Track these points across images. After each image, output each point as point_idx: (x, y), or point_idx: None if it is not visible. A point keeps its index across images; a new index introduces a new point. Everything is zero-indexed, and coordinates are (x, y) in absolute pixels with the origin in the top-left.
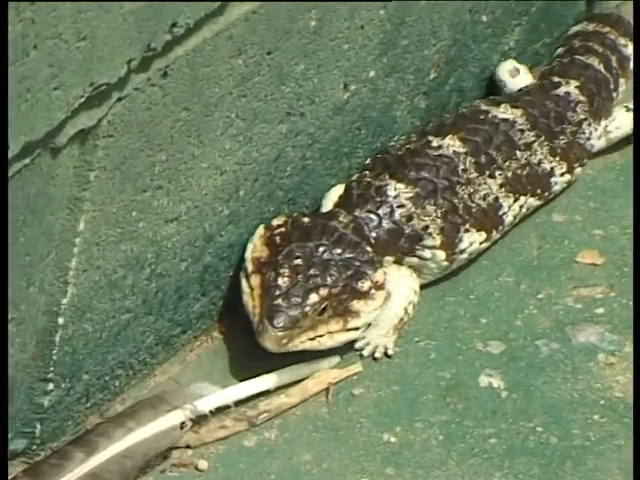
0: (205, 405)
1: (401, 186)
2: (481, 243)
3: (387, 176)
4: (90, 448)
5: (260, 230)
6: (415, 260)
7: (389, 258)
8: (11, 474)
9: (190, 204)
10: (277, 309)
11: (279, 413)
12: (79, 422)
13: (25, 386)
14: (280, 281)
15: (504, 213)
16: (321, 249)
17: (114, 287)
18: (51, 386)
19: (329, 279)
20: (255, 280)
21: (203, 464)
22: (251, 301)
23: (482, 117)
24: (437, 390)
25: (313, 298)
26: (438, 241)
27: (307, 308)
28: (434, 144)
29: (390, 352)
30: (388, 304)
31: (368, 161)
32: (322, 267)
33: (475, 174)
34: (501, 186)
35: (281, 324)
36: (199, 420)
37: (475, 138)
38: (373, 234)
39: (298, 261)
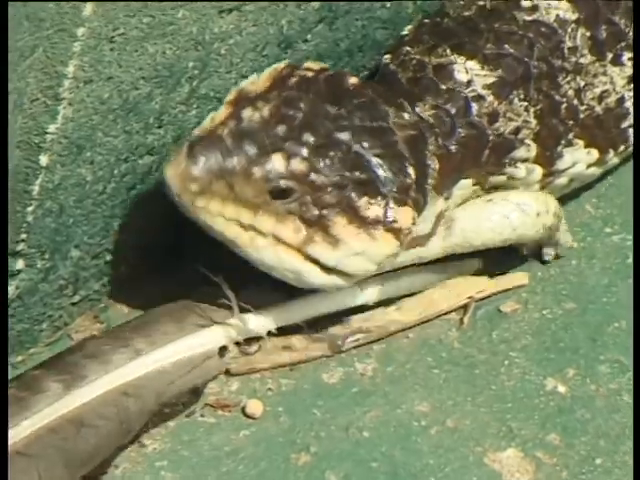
0: (261, 322)
1: (474, 65)
2: (589, 166)
3: (448, 50)
4: (73, 377)
5: (281, 65)
6: (502, 180)
7: (466, 182)
8: None
9: None
10: (212, 140)
11: (383, 336)
12: (59, 326)
13: None
14: (247, 113)
15: (631, 125)
16: (343, 122)
17: (132, 111)
18: (20, 264)
19: (322, 162)
20: (222, 112)
21: (255, 406)
22: (197, 131)
23: None
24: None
25: (276, 161)
26: (534, 151)
27: (258, 169)
28: (525, 3)
29: (567, 245)
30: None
31: (405, 31)
32: (323, 141)
33: (590, 57)
34: (631, 81)
35: (202, 160)
36: (249, 345)
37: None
38: (442, 148)
39: (296, 113)
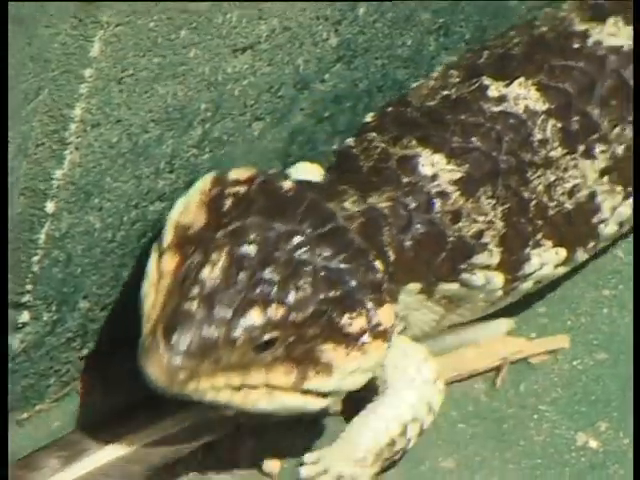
0: None
1: (440, 159)
2: (557, 266)
3: (414, 141)
4: (73, 452)
5: (205, 181)
6: (455, 287)
7: (413, 286)
8: None
9: (276, 23)
10: (185, 320)
11: None
12: (67, 381)
13: None
14: (207, 274)
15: (602, 220)
16: (296, 240)
17: (141, 155)
18: (25, 316)
19: (293, 294)
20: (170, 261)
21: (272, 465)
22: (152, 295)
23: (575, 45)
24: None
25: (254, 318)
26: (497, 258)
27: (239, 332)
28: (492, 93)
29: None
30: (377, 409)
31: (369, 118)
32: (288, 270)
33: (561, 150)
34: (603, 173)
35: (184, 346)
36: None
37: (564, 85)
38: (395, 241)
39: (249, 249)
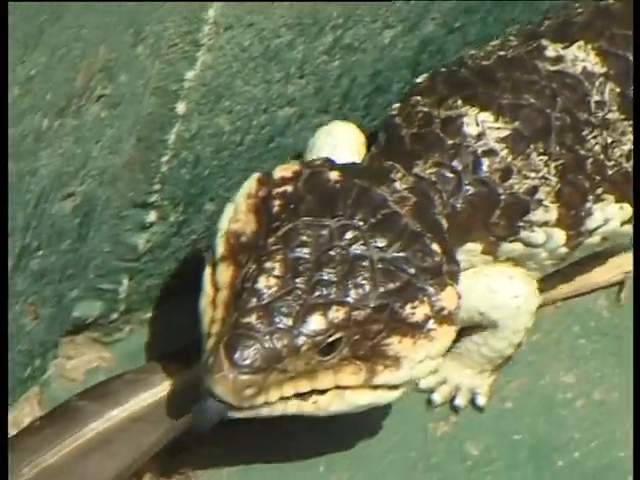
0: None
1: (487, 117)
2: (623, 223)
3: (459, 101)
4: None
5: (251, 183)
6: (517, 247)
7: (473, 245)
8: (74, 356)
9: None
10: (247, 334)
11: None
12: (191, 283)
13: (109, 213)
14: (263, 283)
15: None
16: (349, 234)
17: (273, 60)
18: (153, 216)
19: (352, 293)
20: (224, 273)
21: None
22: (210, 310)
23: None
24: None
25: (316, 323)
26: (554, 213)
27: (302, 340)
28: (550, 53)
29: (480, 402)
30: (490, 333)
31: (420, 79)
32: (344, 268)
33: (618, 114)
34: None
35: (248, 361)
36: None
37: (625, 53)
38: (448, 207)
39: (303, 251)
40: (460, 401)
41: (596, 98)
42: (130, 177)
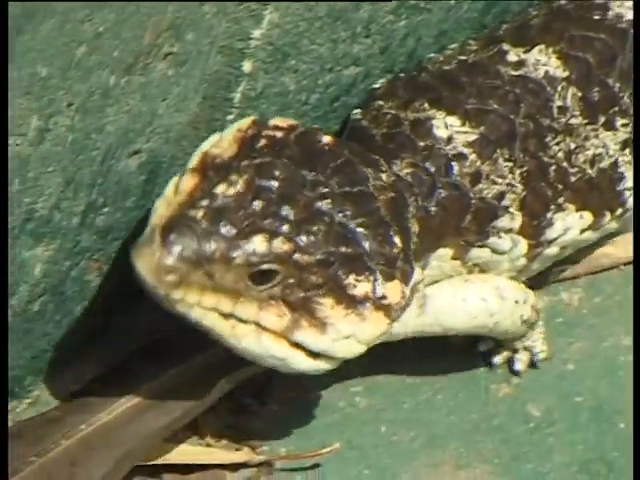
0: None
1: (455, 121)
2: (583, 231)
3: (426, 104)
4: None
5: (245, 122)
6: (485, 253)
7: (444, 251)
8: None
9: None
10: (187, 224)
11: (595, 270)
12: None
13: (175, 171)
14: (221, 189)
15: (628, 188)
16: (321, 190)
17: (339, 19)
18: None
19: (303, 237)
20: (188, 181)
21: None
22: (162, 210)
23: (596, 16)
24: None
25: (258, 244)
26: (518, 221)
27: (238, 253)
28: (511, 57)
29: (540, 356)
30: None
31: (378, 84)
32: (304, 214)
33: (582, 119)
34: (625, 145)
35: (178, 248)
36: None
37: (585, 55)
38: (421, 210)
39: (270, 183)
40: (519, 365)
41: (558, 103)
42: (195, 135)
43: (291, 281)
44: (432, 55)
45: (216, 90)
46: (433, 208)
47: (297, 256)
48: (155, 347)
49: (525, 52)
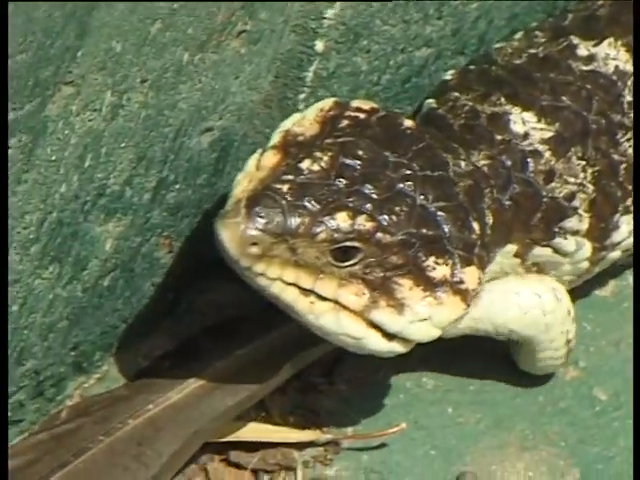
0: None
1: (531, 117)
2: None
3: (502, 98)
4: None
5: (326, 102)
6: (547, 252)
7: (511, 247)
8: None
9: None
10: (273, 197)
11: None
12: None
13: (246, 149)
14: (306, 165)
15: None
16: (403, 172)
17: (411, 0)
18: None
19: (386, 216)
20: (270, 158)
21: None
22: (244, 183)
23: None
24: None
25: (342, 220)
26: (586, 224)
27: (322, 228)
28: (582, 52)
29: None
30: (532, 349)
31: (448, 76)
32: (387, 194)
33: None
34: None
35: (264, 220)
36: None
37: None
38: (495, 202)
39: (355, 162)
40: None
41: (628, 98)
42: (267, 114)
43: (372, 260)
44: (498, 45)
45: (288, 69)
46: (507, 202)
47: (379, 235)
48: (224, 326)
49: (594, 46)
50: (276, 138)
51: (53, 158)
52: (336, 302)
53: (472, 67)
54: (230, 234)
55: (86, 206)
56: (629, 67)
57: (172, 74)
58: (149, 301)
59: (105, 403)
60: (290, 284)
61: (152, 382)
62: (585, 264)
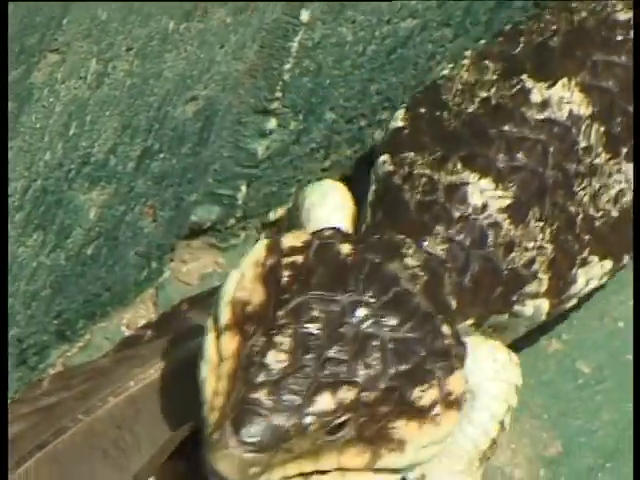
0: None
1: (488, 185)
2: (601, 278)
3: (459, 164)
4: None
5: (259, 250)
6: (503, 318)
7: (469, 321)
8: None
9: None
10: (255, 411)
11: None
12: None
13: (231, 119)
14: (272, 358)
15: None
16: (361, 312)
17: None
18: (272, 123)
19: (363, 373)
20: (229, 343)
21: None
22: (213, 381)
23: (619, 37)
24: None
25: (325, 403)
26: (545, 285)
27: (310, 419)
28: (535, 97)
29: None
30: (471, 416)
31: (399, 122)
32: (355, 347)
33: (605, 156)
34: None
35: (255, 439)
36: None
37: (608, 83)
38: (456, 286)
39: (313, 327)
40: None
41: (583, 144)
42: (252, 84)
43: (363, 420)
44: (446, 73)
45: (274, 39)
46: (467, 283)
47: (364, 396)
48: (208, 296)
49: (548, 88)
50: (226, 314)
51: (38, 126)
52: (340, 469)
53: (422, 110)
54: (228, 466)
55: (70, 174)
56: (583, 110)
57: (157, 42)
58: (132, 270)
59: (86, 376)
60: (294, 476)
61: (134, 354)
62: (542, 317)
